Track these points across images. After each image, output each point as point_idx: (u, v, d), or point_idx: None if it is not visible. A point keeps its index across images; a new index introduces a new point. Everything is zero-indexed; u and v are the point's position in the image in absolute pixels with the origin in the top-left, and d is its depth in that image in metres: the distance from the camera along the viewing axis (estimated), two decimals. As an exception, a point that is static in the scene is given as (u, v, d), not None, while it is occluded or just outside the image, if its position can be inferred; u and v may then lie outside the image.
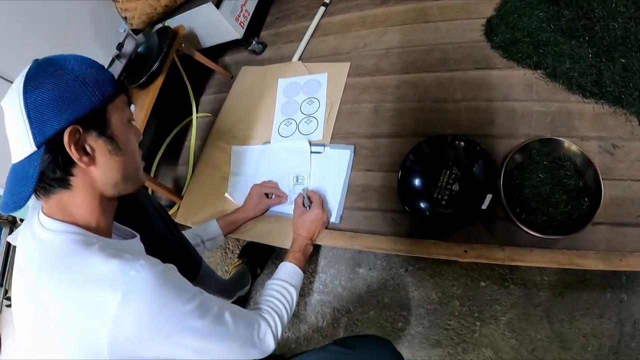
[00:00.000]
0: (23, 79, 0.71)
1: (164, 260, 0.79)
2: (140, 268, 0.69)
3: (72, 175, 0.73)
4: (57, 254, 0.71)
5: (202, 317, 0.76)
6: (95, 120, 0.74)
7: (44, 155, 0.70)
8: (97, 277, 0.67)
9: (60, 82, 0.70)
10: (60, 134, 0.69)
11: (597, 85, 1.26)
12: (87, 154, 0.73)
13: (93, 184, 0.76)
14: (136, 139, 0.86)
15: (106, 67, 1.66)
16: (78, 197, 0.75)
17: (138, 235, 0.90)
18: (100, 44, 1.64)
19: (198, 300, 0.77)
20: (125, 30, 1.72)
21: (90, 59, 0.78)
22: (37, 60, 0.75)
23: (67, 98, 0.70)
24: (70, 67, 0.72)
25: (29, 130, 0.69)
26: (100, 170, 0.76)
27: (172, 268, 0.78)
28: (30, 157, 0.70)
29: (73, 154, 0.70)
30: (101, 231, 0.78)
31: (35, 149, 0.69)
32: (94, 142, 0.74)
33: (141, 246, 0.88)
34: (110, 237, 0.82)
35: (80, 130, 0.71)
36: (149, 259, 0.74)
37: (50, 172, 0.71)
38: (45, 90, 0.69)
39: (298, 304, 1.57)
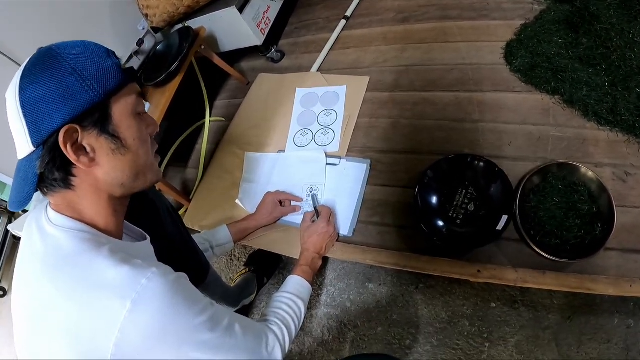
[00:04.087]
0: (21, 72, 0.69)
1: (172, 263, 0.78)
2: (152, 276, 0.67)
3: (73, 175, 0.72)
4: (64, 252, 0.69)
5: (212, 330, 0.75)
6: (95, 117, 0.71)
7: (43, 155, 0.68)
8: (105, 283, 0.65)
9: (55, 76, 0.67)
10: (56, 133, 0.67)
11: (613, 113, 1.33)
12: (87, 154, 0.71)
13: (97, 184, 0.74)
14: (150, 131, 0.83)
15: (123, 62, 1.72)
16: (83, 198, 0.74)
17: (149, 238, 0.89)
18: (118, 38, 1.70)
19: (209, 312, 0.76)
20: (144, 28, 1.79)
21: (94, 45, 0.75)
22: (40, 49, 0.72)
23: (63, 94, 0.67)
24: (69, 58, 0.69)
25: (26, 129, 0.67)
26: (103, 171, 0.73)
27: (184, 277, 0.77)
28: (29, 157, 0.69)
29: (70, 154, 0.68)
30: (111, 231, 0.77)
31: (34, 148, 0.68)
32: (95, 141, 0.71)
33: (151, 249, 0.88)
34: (120, 237, 0.80)
35: (79, 129, 0.68)
36: (161, 267, 0.72)
37: (49, 173, 0.70)
38: (40, 86, 0.66)
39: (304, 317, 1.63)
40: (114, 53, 0.77)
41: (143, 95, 1.04)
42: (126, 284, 0.66)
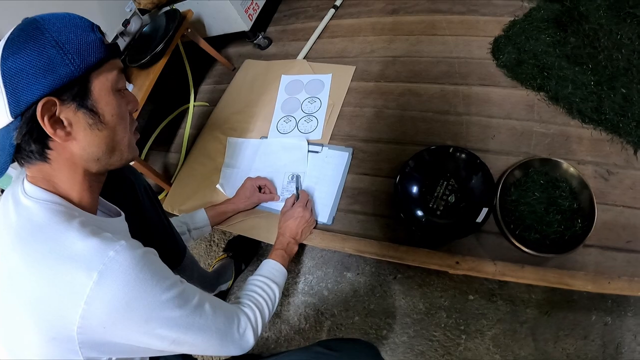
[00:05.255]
0: (4, 42, 0.66)
1: (148, 243, 0.76)
2: (120, 249, 0.66)
3: (49, 148, 0.71)
4: (35, 223, 0.68)
5: (180, 307, 0.73)
6: (74, 91, 0.69)
7: (20, 126, 0.67)
8: (73, 254, 0.64)
9: (37, 48, 0.65)
10: (35, 105, 0.65)
11: (597, 112, 1.32)
12: (64, 127, 0.69)
13: (73, 159, 0.73)
14: (129, 109, 0.82)
15: (109, 41, 1.66)
16: (58, 171, 0.73)
17: (123, 214, 0.88)
18: (104, 18, 1.62)
19: (178, 289, 0.74)
20: (131, 10, 1.72)
21: (79, 18, 0.73)
22: (25, 19, 0.70)
23: (44, 66, 0.65)
24: (52, 30, 0.67)
25: (5, 99, 0.65)
26: (80, 145, 0.72)
27: (153, 252, 0.76)
28: (7, 127, 0.67)
29: (47, 127, 0.67)
30: (84, 206, 0.76)
31: (12, 119, 0.66)
32: (73, 115, 0.70)
33: (125, 226, 0.87)
34: (94, 213, 0.79)
35: (57, 102, 0.67)
36: (130, 241, 0.71)
37: (26, 144, 0.69)
38: (22, 56, 0.64)
39: (281, 304, 1.59)
40: (98, 28, 0.75)
41: (126, 73, 0.99)
42: (94, 255, 0.65)
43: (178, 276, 0.79)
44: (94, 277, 0.62)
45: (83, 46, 0.69)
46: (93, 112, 0.72)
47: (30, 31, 0.67)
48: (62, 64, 0.66)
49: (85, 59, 0.69)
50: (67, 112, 0.69)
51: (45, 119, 0.66)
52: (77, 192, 0.75)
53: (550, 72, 1.42)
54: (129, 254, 0.67)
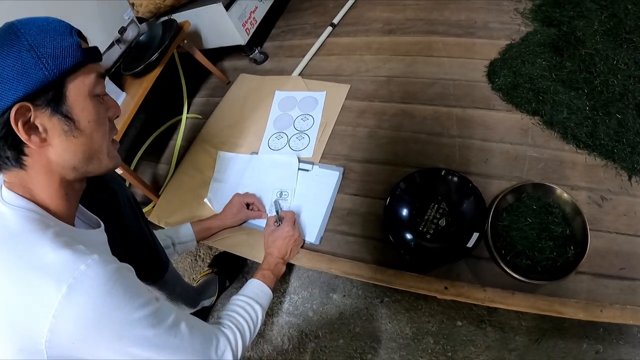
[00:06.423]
0: None
1: (128, 255, 0.75)
2: (92, 263, 0.64)
3: (25, 155, 0.69)
4: (9, 231, 0.66)
5: (154, 326, 0.71)
6: (48, 96, 0.67)
7: None
8: (44, 265, 0.63)
9: (11, 53, 0.64)
10: (9, 111, 0.64)
11: (592, 137, 1.30)
12: (39, 133, 0.68)
13: (49, 166, 0.71)
14: (109, 115, 0.79)
15: (104, 49, 1.65)
16: (35, 178, 0.71)
17: (103, 225, 0.86)
18: (102, 25, 1.62)
19: (152, 307, 0.72)
20: (130, 18, 1.72)
21: (58, 22, 0.72)
22: (5, 23, 0.69)
23: (17, 71, 0.64)
24: (28, 34, 0.66)
25: None
26: (55, 152, 0.70)
27: (127, 268, 0.74)
28: None
29: (21, 133, 0.65)
30: (60, 215, 0.74)
31: None
32: (48, 121, 0.68)
33: (104, 237, 0.84)
34: (72, 222, 0.77)
35: (31, 107, 0.65)
36: (104, 255, 0.69)
37: (1, 150, 0.67)
38: None
39: (265, 323, 1.54)
40: (78, 32, 0.74)
41: (119, 81, 0.95)
42: (64, 268, 0.63)
43: (154, 294, 0.78)
44: (63, 291, 0.60)
45: (58, 50, 0.68)
46: (68, 118, 0.70)
47: (6, 35, 0.66)
48: (35, 68, 0.65)
49: (60, 63, 0.67)
50: (42, 118, 0.67)
51: (20, 124, 0.64)
52: (54, 200, 0.73)
53: (546, 97, 1.40)
54: (101, 268, 0.65)
